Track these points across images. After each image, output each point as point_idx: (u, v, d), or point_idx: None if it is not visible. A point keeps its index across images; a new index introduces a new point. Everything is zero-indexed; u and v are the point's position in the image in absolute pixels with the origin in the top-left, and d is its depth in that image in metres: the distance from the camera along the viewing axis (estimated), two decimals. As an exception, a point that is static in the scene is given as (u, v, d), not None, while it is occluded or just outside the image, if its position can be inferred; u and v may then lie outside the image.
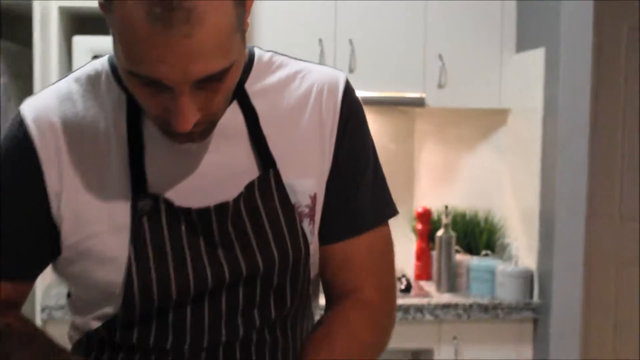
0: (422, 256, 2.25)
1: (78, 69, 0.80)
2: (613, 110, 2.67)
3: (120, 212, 0.73)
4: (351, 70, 2.08)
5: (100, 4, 0.64)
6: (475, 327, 2.01)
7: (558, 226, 1.98)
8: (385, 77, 2.11)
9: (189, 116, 0.65)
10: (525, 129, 2.11)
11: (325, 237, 0.80)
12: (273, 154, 0.77)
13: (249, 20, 0.69)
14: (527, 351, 2.06)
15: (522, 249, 2.14)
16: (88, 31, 2.02)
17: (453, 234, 2.15)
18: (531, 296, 2.06)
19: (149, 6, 0.59)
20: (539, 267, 2.05)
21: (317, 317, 0.86)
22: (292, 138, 0.78)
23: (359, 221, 0.81)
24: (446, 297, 2.06)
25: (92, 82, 0.77)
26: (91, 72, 0.78)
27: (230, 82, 0.68)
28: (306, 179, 0.78)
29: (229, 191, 0.75)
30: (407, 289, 2.10)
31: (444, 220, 2.15)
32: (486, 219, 2.26)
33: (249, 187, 0.76)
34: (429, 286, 2.18)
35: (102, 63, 0.78)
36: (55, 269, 0.79)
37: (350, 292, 0.81)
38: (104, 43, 1.88)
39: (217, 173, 0.75)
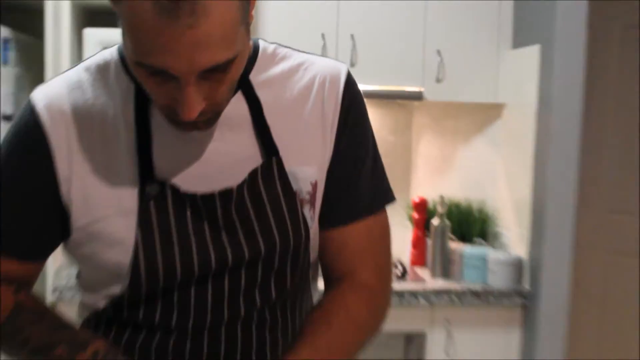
0: (418, 244, 2.26)
1: (88, 58, 0.80)
2: (604, 106, 2.67)
3: (128, 196, 0.73)
4: (352, 65, 2.07)
5: (110, -4, 0.63)
6: (467, 311, 2.02)
7: (548, 217, 1.98)
8: (385, 72, 2.11)
9: (195, 105, 0.65)
10: (520, 123, 2.10)
11: (326, 222, 0.80)
12: (276, 142, 0.77)
13: (253, 13, 0.69)
14: (516, 335, 2.07)
15: (514, 238, 2.14)
16: (98, 24, 2.01)
17: (448, 222, 2.15)
18: (521, 283, 2.07)
19: None
20: (530, 255, 2.05)
21: (315, 300, 0.87)
22: (295, 127, 0.78)
23: (358, 207, 0.81)
24: (440, 283, 2.07)
25: (101, 71, 0.77)
26: (100, 61, 0.78)
27: (235, 72, 0.68)
28: (308, 166, 0.78)
29: (233, 178, 0.75)
30: (403, 275, 2.10)
31: (440, 210, 2.15)
32: (480, 209, 2.27)
33: (253, 174, 0.76)
34: (423, 272, 2.19)
35: (111, 53, 0.78)
36: (66, 250, 0.80)
37: (348, 275, 0.81)
38: (114, 35, 1.87)
39: (222, 160, 0.75)
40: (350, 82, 0.81)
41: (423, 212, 2.25)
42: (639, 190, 2.63)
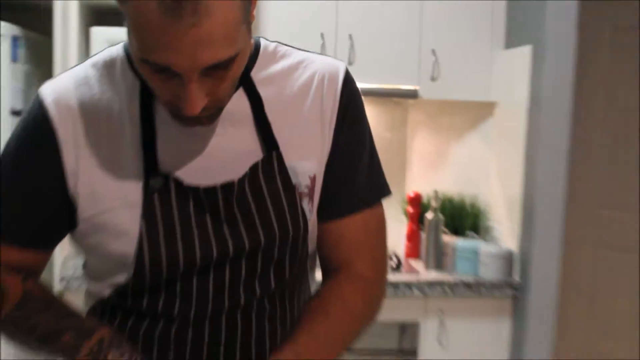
0: (412, 237, 2.26)
1: (95, 54, 0.79)
2: (594, 105, 2.66)
3: (133, 189, 0.73)
4: (350, 63, 2.07)
5: (116, -5, 0.63)
6: (459, 302, 2.03)
7: (538, 212, 1.98)
8: (382, 70, 2.10)
9: (197, 101, 0.65)
10: (511, 121, 2.10)
11: (324, 215, 0.80)
12: (276, 137, 0.77)
13: (254, 13, 0.68)
14: (507, 325, 2.07)
15: (505, 232, 2.15)
16: (105, 22, 2.01)
17: (441, 216, 2.16)
18: (512, 275, 2.07)
19: None
20: (520, 249, 2.06)
21: (313, 290, 0.87)
22: (295, 123, 0.78)
23: (355, 200, 0.81)
24: (433, 275, 2.07)
25: (107, 67, 0.76)
26: (107, 58, 0.77)
27: (236, 70, 0.68)
28: (307, 161, 0.78)
29: (235, 171, 0.75)
30: (398, 267, 2.11)
31: (433, 204, 2.15)
32: (472, 204, 2.27)
33: (253, 168, 0.76)
34: (417, 264, 2.19)
35: (117, 50, 0.78)
36: (72, 240, 0.80)
37: (344, 266, 0.81)
38: (120, 34, 1.86)
39: (224, 154, 0.75)
40: (348, 80, 0.81)
41: (417, 206, 2.25)
42: (627, 186, 2.63)
